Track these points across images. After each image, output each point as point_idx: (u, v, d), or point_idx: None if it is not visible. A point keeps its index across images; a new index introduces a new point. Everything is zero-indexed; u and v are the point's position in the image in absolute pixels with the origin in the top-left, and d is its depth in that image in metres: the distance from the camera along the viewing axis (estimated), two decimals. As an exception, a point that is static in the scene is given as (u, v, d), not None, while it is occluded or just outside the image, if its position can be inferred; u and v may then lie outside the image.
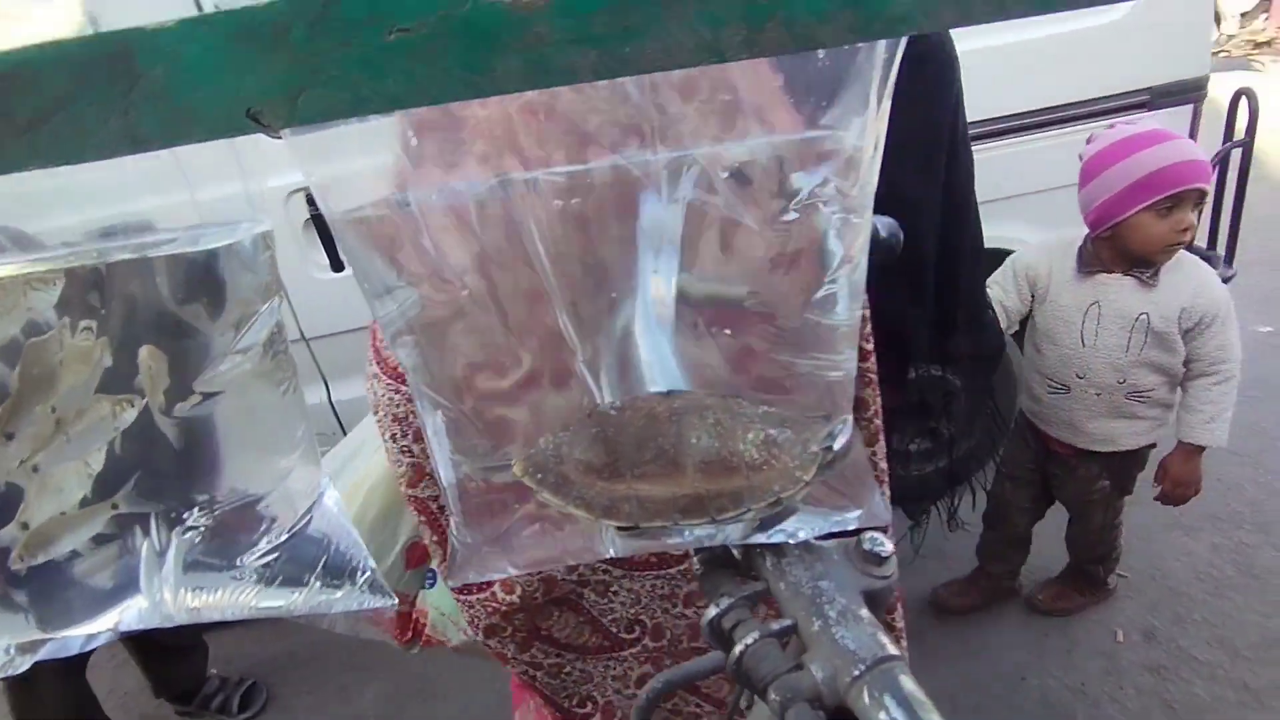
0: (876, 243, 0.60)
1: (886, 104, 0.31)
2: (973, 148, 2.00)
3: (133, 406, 0.35)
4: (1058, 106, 2.01)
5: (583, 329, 0.33)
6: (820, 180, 0.31)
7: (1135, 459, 1.75)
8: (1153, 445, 1.74)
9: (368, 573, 0.44)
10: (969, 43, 1.91)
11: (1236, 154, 2.15)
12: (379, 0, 0.26)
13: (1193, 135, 2.09)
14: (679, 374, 0.35)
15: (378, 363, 0.68)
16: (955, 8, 0.27)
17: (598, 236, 0.31)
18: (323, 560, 0.43)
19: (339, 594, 0.44)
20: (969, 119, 1.96)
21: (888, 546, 0.36)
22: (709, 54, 0.27)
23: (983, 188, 2.02)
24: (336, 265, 1.91)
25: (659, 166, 0.31)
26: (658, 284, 0.32)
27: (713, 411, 0.35)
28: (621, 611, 0.74)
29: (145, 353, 0.36)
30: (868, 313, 0.62)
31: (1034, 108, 2.01)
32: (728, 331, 0.37)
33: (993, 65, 1.94)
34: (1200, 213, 1.50)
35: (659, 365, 0.35)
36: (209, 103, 0.27)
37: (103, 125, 0.27)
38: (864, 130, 0.31)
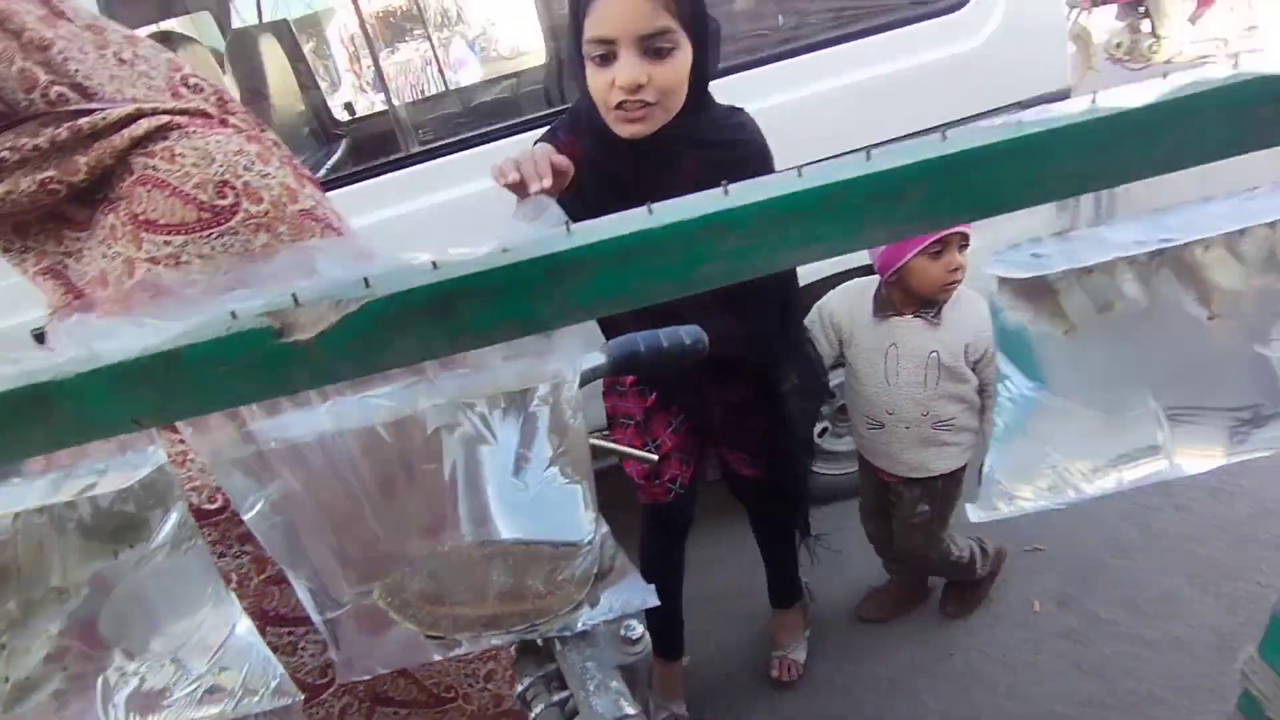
0: (685, 350, 0.76)
1: (579, 349, 0.46)
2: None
3: (77, 595, 0.49)
4: (939, 126, 2.18)
5: (386, 519, 0.47)
6: (538, 401, 0.46)
7: (952, 482, 1.90)
8: (964, 466, 1.90)
9: (277, 679, 0.58)
10: (855, 74, 2.10)
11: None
12: (209, 349, 0.40)
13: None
14: (482, 530, 0.50)
15: None
16: (584, 309, 0.42)
17: (391, 459, 0.46)
18: (241, 676, 0.57)
19: (256, 698, 0.58)
20: (864, 144, 2.14)
21: (638, 630, 0.51)
22: (427, 354, 0.42)
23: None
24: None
25: (428, 403, 0.45)
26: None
27: (513, 556, 0.50)
28: (312, 664, 0.89)
29: (77, 554, 0.50)
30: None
31: (920, 128, 2.18)
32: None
33: (880, 93, 2.11)
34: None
35: (472, 522, 0.49)
36: (104, 418, 0.41)
37: (33, 437, 0.41)
38: (568, 362, 0.46)
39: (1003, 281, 0.48)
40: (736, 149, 1.31)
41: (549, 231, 0.41)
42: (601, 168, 1.24)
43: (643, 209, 0.41)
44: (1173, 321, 0.48)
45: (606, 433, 1.60)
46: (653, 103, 1.15)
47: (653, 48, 1.12)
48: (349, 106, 3.60)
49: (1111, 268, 0.46)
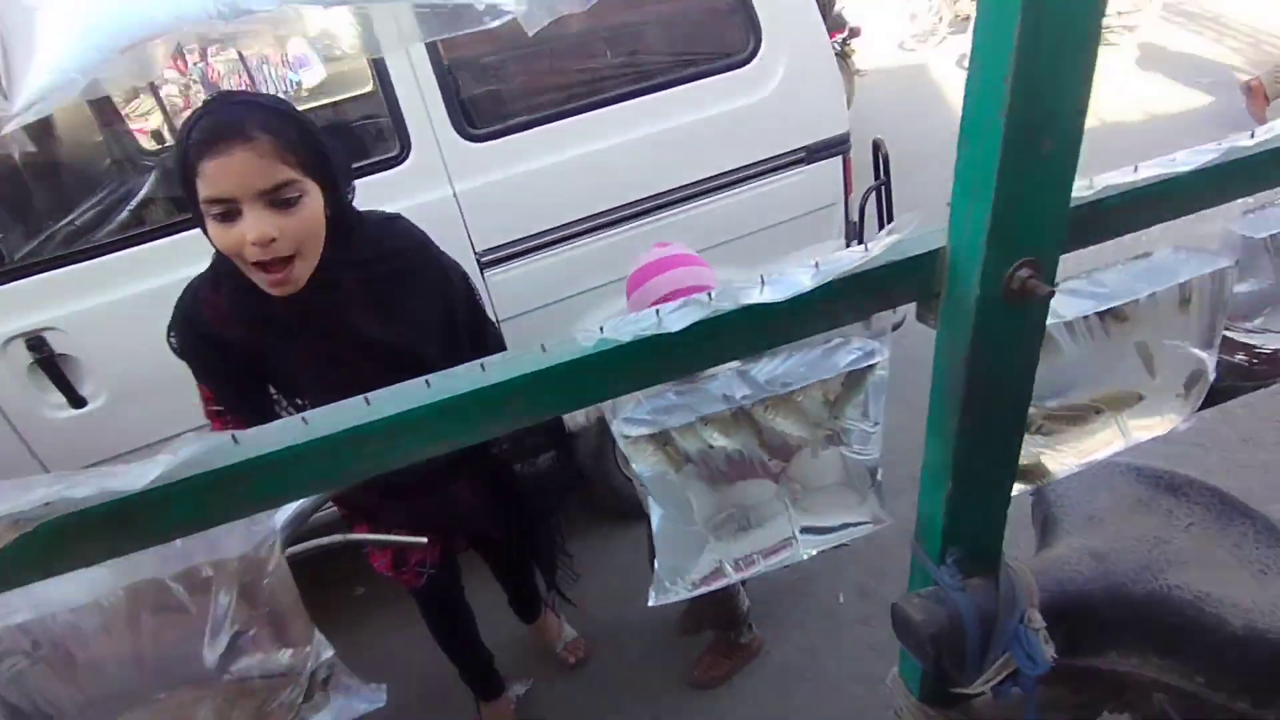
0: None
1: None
2: (685, 207, 2.34)
3: None
4: (741, 168, 2.38)
5: (106, 676, 0.54)
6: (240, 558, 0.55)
7: None
8: None
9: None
10: (660, 124, 2.24)
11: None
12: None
13: (846, 180, 2.55)
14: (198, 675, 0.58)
15: None
16: (251, 506, 0.50)
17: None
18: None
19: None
20: (673, 186, 2.30)
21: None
22: (111, 555, 0.49)
23: (692, 241, 2.37)
24: (76, 402, 1.92)
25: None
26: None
27: (225, 693, 0.58)
28: None
29: None
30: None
31: (723, 170, 2.36)
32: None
33: (681, 141, 2.28)
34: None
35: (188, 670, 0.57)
36: None
37: None
38: (266, 524, 0.54)
39: (626, 438, 0.61)
40: (396, 259, 1.28)
41: (217, 445, 0.49)
42: (261, 316, 1.20)
43: (298, 420, 0.50)
44: (754, 462, 0.63)
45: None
46: (291, 254, 1.10)
47: (278, 200, 1.06)
48: (156, 134, 3.38)
49: (701, 424, 0.60)
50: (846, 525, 0.73)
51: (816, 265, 0.56)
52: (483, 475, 1.56)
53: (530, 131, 2.14)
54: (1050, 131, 0.50)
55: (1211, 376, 0.78)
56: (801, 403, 0.62)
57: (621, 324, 0.54)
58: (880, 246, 0.57)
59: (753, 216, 2.45)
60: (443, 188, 2.09)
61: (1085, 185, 0.62)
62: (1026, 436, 0.77)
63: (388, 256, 1.27)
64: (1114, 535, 0.78)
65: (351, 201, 1.24)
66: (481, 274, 2.17)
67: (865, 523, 0.74)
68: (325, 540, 0.85)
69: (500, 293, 2.20)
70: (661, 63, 2.34)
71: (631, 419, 0.61)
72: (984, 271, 0.54)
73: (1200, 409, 0.83)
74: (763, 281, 0.56)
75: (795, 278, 0.55)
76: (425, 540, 1.01)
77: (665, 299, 1.52)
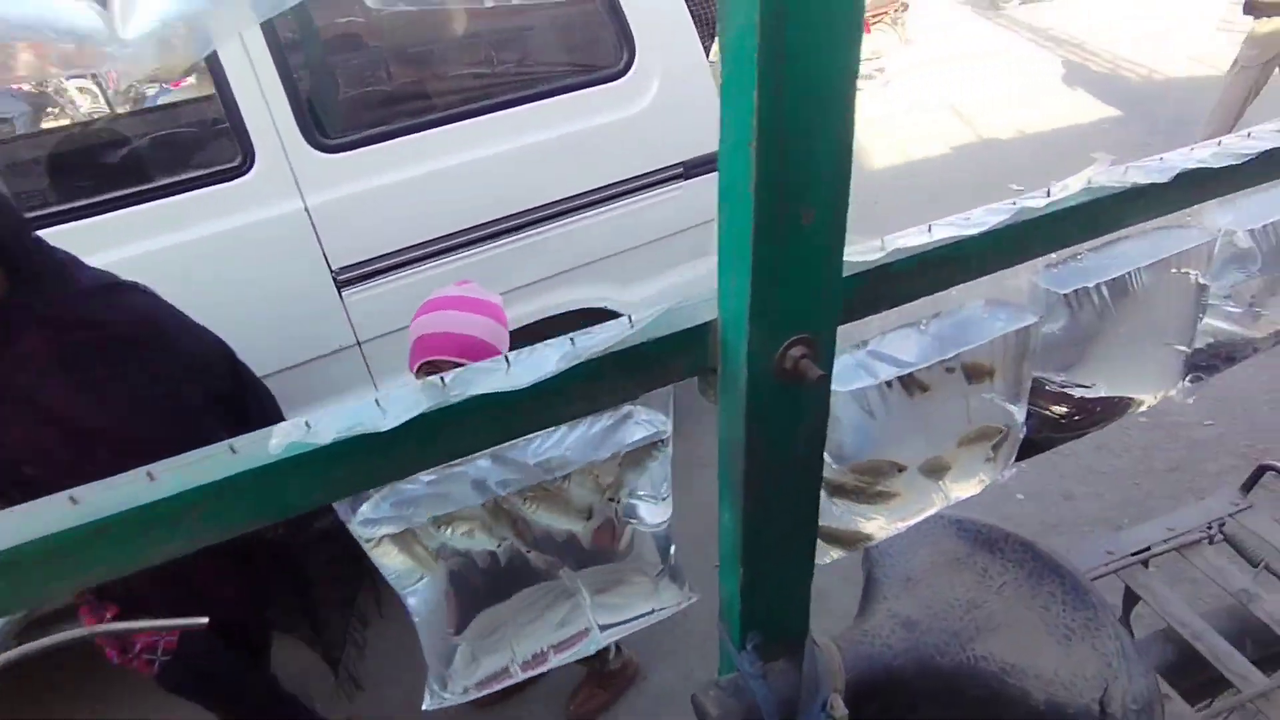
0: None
1: None
2: (557, 224, 2.24)
3: None
4: (616, 183, 2.32)
5: None
6: None
7: None
8: None
9: None
10: (530, 137, 2.15)
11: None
12: None
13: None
14: None
15: None
16: None
17: None
18: None
19: None
20: (544, 202, 2.21)
21: None
22: None
23: (568, 257, 2.31)
24: None
25: None
26: None
27: None
28: None
29: None
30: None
31: (597, 185, 2.29)
32: None
33: (554, 155, 2.19)
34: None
35: None
36: None
37: None
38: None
39: (365, 540, 0.52)
40: (106, 329, 1.15)
41: None
42: None
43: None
44: (520, 559, 0.56)
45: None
46: None
47: None
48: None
49: (443, 523, 0.52)
50: (652, 610, 0.67)
51: (572, 341, 0.50)
52: (238, 560, 1.39)
53: (390, 143, 2.01)
54: (809, 202, 0.45)
55: (1022, 432, 0.76)
56: (568, 491, 0.55)
57: (330, 417, 0.45)
58: (646, 319, 0.51)
59: (629, 233, 2.40)
60: (292, 201, 1.93)
61: (876, 247, 0.58)
62: (844, 502, 0.73)
63: (96, 325, 1.13)
64: (928, 600, 0.76)
65: (29, 245, 1.08)
66: (339, 293, 2.03)
67: (667, 606, 0.68)
68: (51, 640, 0.73)
69: (360, 313, 2.07)
70: (531, 75, 2.26)
71: (369, 518, 0.52)
72: (750, 350, 0.48)
73: (1017, 461, 0.82)
74: (508, 363, 0.48)
75: (542, 357, 0.48)
76: (205, 620, 0.88)
77: (421, 340, 1.43)
